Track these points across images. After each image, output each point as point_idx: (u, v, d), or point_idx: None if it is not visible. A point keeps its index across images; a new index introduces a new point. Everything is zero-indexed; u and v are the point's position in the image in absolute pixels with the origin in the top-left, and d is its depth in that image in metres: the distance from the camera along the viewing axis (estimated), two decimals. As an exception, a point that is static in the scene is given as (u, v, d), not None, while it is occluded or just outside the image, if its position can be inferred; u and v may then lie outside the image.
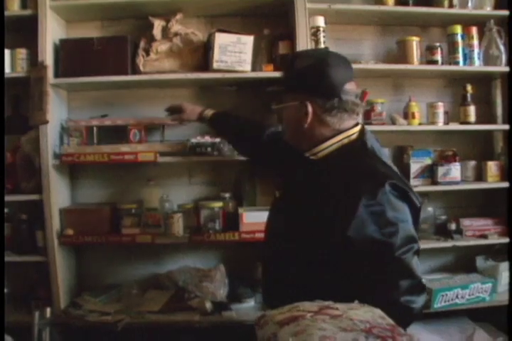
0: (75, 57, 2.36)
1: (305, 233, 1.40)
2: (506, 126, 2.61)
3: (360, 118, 1.52)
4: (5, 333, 1.37)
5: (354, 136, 1.46)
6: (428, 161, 2.50)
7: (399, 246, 1.29)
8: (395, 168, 1.47)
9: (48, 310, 1.86)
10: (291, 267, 1.45)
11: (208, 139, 2.33)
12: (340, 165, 1.41)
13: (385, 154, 1.56)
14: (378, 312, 1.12)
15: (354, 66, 2.33)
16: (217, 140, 2.34)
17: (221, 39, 2.30)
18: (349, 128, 1.47)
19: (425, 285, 1.39)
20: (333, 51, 1.59)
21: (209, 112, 2.20)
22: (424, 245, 2.42)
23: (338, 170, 1.40)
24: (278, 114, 1.54)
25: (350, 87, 1.46)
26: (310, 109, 1.43)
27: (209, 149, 2.33)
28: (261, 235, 1.98)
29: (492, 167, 2.57)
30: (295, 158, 1.55)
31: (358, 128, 1.48)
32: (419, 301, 1.34)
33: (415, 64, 2.50)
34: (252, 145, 2.05)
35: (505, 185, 2.53)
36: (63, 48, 2.37)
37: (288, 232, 1.48)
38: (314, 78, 1.42)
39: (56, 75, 2.36)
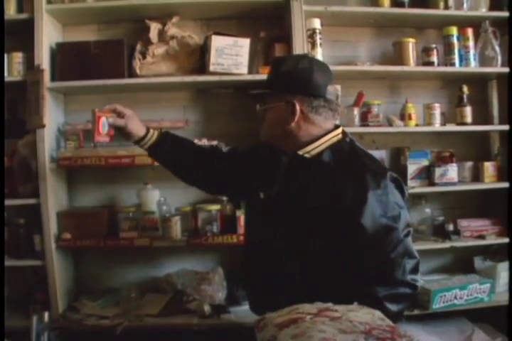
0: (71, 61, 2.36)
1: (313, 228, 1.45)
2: (503, 127, 2.61)
3: (338, 120, 1.62)
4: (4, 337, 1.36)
5: (340, 136, 1.56)
6: (425, 162, 2.50)
7: (402, 229, 1.42)
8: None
9: (46, 314, 1.85)
10: (295, 266, 1.48)
11: (205, 142, 2.32)
12: (338, 161, 1.50)
13: None
14: (378, 313, 1.12)
15: (351, 68, 2.36)
16: (215, 142, 2.34)
17: (217, 42, 2.30)
18: (333, 128, 1.56)
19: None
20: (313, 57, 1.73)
21: (154, 134, 1.78)
22: (422, 246, 2.44)
23: (336, 165, 1.49)
24: (260, 117, 1.59)
25: (332, 89, 1.55)
26: (297, 107, 1.50)
27: None
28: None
29: (489, 167, 2.58)
30: (277, 160, 1.59)
31: (340, 129, 1.58)
32: (419, 279, 1.48)
33: (411, 65, 2.51)
34: (211, 172, 1.83)
35: (502, 185, 2.53)
36: (60, 52, 2.37)
37: (290, 230, 1.50)
38: (302, 78, 1.50)
39: (53, 79, 2.36)
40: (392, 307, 1.39)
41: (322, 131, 1.53)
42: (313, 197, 1.46)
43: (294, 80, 1.51)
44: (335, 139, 1.54)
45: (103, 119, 1.70)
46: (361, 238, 1.40)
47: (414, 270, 1.45)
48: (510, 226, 2.42)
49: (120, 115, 1.76)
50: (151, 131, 1.78)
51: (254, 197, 1.66)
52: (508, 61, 2.50)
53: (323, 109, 1.51)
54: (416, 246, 2.37)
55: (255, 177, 1.68)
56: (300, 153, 1.53)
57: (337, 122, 1.60)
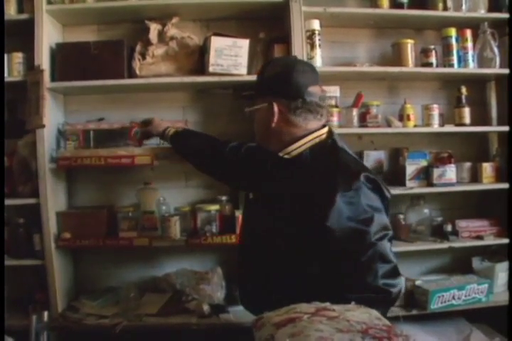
0: (71, 61, 2.36)
1: (285, 228, 1.46)
2: (501, 128, 2.63)
3: (325, 120, 1.61)
4: (4, 335, 1.37)
5: (324, 136, 1.57)
6: (424, 163, 2.50)
7: (374, 232, 1.38)
8: (364, 164, 1.61)
9: (46, 313, 1.87)
10: (272, 265, 1.50)
11: None
12: (314, 161, 1.50)
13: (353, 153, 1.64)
14: (375, 313, 1.13)
15: (350, 69, 2.36)
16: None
17: (217, 43, 2.31)
18: (318, 129, 1.58)
19: (398, 269, 1.45)
20: (301, 59, 1.77)
21: (171, 130, 2.20)
22: (420, 246, 2.46)
23: (313, 165, 1.50)
24: (250, 117, 1.65)
25: (315, 90, 1.57)
26: (276, 109, 1.54)
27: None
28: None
29: (487, 168, 2.59)
30: (264, 160, 1.63)
31: (326, 129, 1.60)
32: (396, 284, 1.42)
33: (410, 66, 2.52)
34: (214, 163, 2.07)
35: (501, 186, 2.54)
36: (60, 52, 2.38)
37: (268, 230, 1.52)
38: (280, 82, 1.55)
39: (53, 79, 2.37)
40: None
41: (304, 131, 1.56)
42: (289, 198, 1.48)
43: (274, 83, 1.56)
44: (317, 140, 1.55)
45: (135, 129, 2.33)
46: (328, 241, 1.38)
47: (389, 274, 1.40)
48: (510, 226, 2.42)
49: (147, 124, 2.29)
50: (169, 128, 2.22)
51: (245, 197, 1.73)
52: (509, 62, 2.51)
53: (301, 109, 1.54)
54: (414, 247, 2.44)
55: (245, 178, 1.77)
56: (280, 154, 1.56)
57: (323, 122, 1.60)
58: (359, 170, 1.46)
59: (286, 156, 1.55)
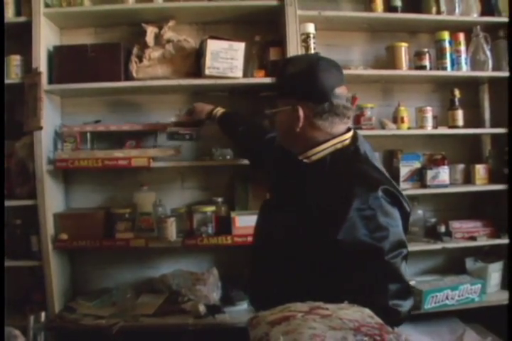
0: (68, 64, 2.38)
1: (296, 234, 1.40)
2: (494, 130, 2.67)
3: (351, 123, 1.54)
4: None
5: (347, 141, 1.48)
6: (417, 165, 2.53)
7: (388, 250, 1.31)
8: (387, 174, 1.49)
9: (43, 314, 1.88)
10: (281, 268, 1.45)
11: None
12: (333, 169, 1.42)
13: (377, 159, 1.57)
14: (367, 311, 1.15)
15: (344, 72, 2.37)
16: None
17: (213, 46, 2.33)
18: (342, 133, 1.48)
19: (412, 289, 1.40)
20: (323, 56, 1.60)
21: (218, 111, 2.25)
22: (414, 247, 2.46)
23: (331, 173, 1.42)
24: (271, 119, 1.58)
25: (341, 90, 1.47)
26: (301, 113, 1.44)
27: (187, 136, 2.38)
28: (253, 238, 2.01)
29: (480, 170, 2.61)
30: (286, 161, 1.58)
31: (350, 133, 1.50)
32: (406, 305, 1.35)
33: (404, 69, 2.55)
34: (252, 148, 2.10)
35: (494, 187, 2.58)
36: (57, 55, 2.39)
37: (280, 233, 1.47)
38: (305, 83, 1.44)
39: (50, 82, 2.38)
40: None
41: (328, 136, 1.47)
42: (300, 204, 1.43)
43: (298, 84, 1.45)
44: (339, 145, 1.46)
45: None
46: (339, 254, 1.32)
47: (400, 294, 1.33)
48: (511, 226, 2.44)
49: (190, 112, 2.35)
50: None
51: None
52: (509, 64, 2.54)
53: (328, 114, 1.44)
54: (408, 248, 2.45)
55: (269, 174, 1.72)
56: (300, 157, 1.49)
57: (349, 124, 1.51)
58: (378, 183, 1.36)
59: (305, 160, 1.48)
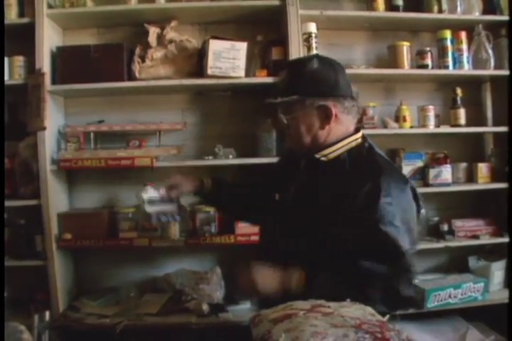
0: (71, 64, 2.39)
1: (323, 228, 1.41)
2: (496, 129, 2.67)
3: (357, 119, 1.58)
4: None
5: (360, 140, 1.52)
6: (420, 163, 2.54)
7: (408, 243, 1.37)
8: None
9: (47, 313, 1.89)
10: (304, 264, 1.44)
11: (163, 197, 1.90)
12: (354, 164, 1.45)
13: None
14: (369, 309, 1.16)
15: (346, 71, 2.37)
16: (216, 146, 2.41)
17: (215, 45, 2.34)
18: (353, 133, 1.52)
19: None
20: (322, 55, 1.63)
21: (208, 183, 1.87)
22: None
23: (353, 168, 1.44)
24: (284, 125, 1.51)
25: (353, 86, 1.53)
26: (333, 111, 1.46)
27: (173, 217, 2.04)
28: (256, 237, 2.02)
29: (482, 168, 2.62)
30: (296, 163, 1.58)
31: (361, 133, 1.55)
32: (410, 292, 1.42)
33: (406, 68, 2.55)
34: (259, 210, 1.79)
35: (496, 186, 2.58)
36: (60, 55, 2.41)
37: (306, 229, 1.45)
38: (330, 79, 1.46)
39: (53, 82, 2.40)
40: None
41: (345, 133, 1.50)
42: (326, 199, 1.43)
43: (323, 82, 1.46)
44: (353, 143, 1.50)
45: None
46: (367, 243, 1.35)
47: (409, 283, 1.40)
48: (510, 225, 2.45)
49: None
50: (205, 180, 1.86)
51: (268, 198, 1.65)
52: (509, 63, 2.55)
53: (353, 108, 1.49)
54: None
55: (274, 182, 1.70)
56: (317, 156, 1.50)
57: (356, 120, 1.56)
58: (405, 177, 1.47)
59: (323, 159, 1.49)
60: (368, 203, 1.36)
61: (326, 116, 1.46)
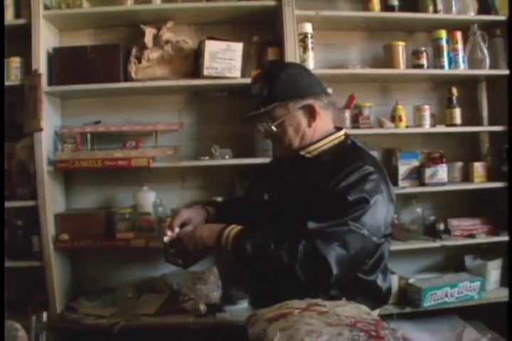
0: (68, 65, 2.40)
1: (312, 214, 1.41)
2: (492, 128, 2.68)
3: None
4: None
5: (342, 138, 1.58)
6: (416, 163, 2.54)
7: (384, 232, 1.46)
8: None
9: (45, 314, 1.89)
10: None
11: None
12: (336, 159, 1.49)
13: None
14: (364, 308, 1.17)
15: (342, 71, 2.40)
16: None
17: (211, 46, 2.35)
18: (334, 131, 1.59)
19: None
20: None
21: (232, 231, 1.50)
22: (413, 245, 2.50)
23: (335, 163, 1.47)
24: (271, 134, 1.55)
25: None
26: (317, 108, 1.51)
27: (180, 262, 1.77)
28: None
29: (478, 168, 2.62)
30: (281, 162, 1.64)
31: (343, 131, 1.61)
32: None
33: (401, 68, 2.56)
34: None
35: (492, 185, 2.59)
36: (57, 56, 2.41)
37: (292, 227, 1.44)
38: (305, 79, 1.54)
39: (50, 83, 2.40)
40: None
41: (329, 128, 1.58)
42: (311, 193, 1.45)
43: (299, 84, 1.52)
44: (336, 141, 1.56)
45: None
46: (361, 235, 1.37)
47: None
48: (510, 224, 2.46)
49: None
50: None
51: (258, 199, 1.65)
52: (508, 63, 2.56)
53: (330, 103, 1.57)
54: (407, 245, 2.48)
55: (261, 183, 1.73)
56: (302, 153, 1.55)
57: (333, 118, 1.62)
58: (381, 165, 1.51)
59: (307, 155, 1.54)
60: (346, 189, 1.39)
61: (310, 115, 1.52)
